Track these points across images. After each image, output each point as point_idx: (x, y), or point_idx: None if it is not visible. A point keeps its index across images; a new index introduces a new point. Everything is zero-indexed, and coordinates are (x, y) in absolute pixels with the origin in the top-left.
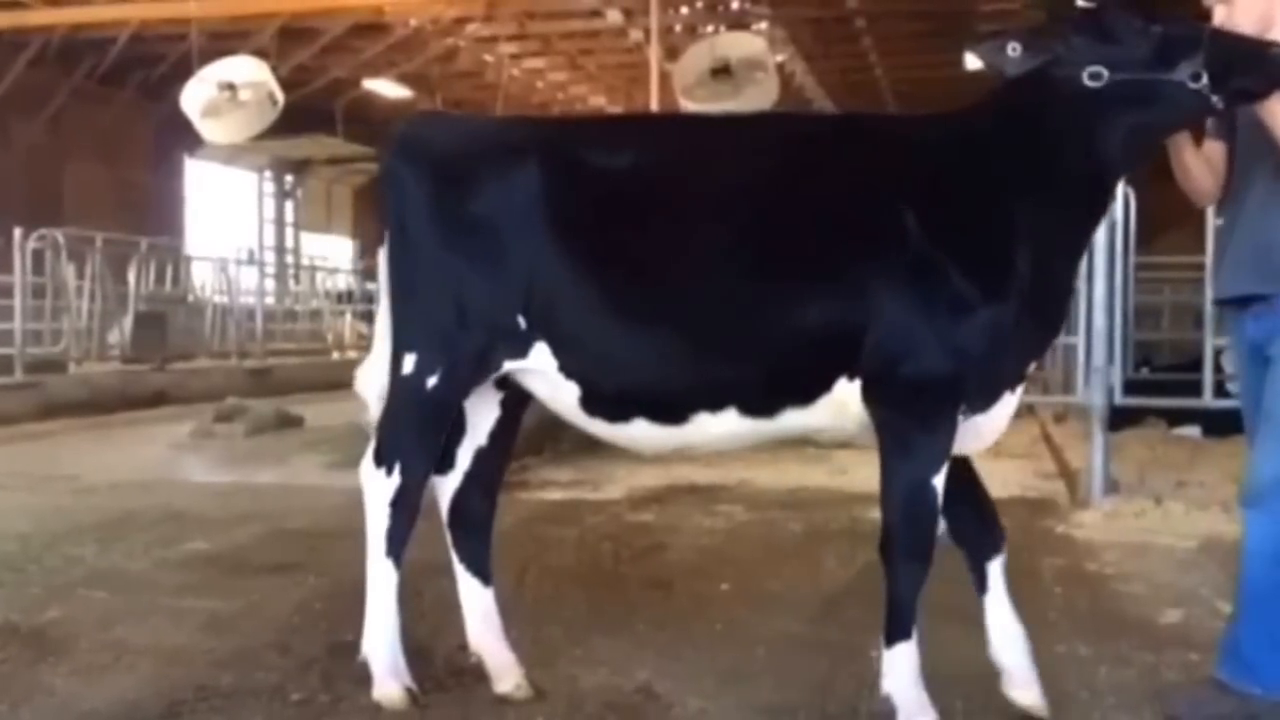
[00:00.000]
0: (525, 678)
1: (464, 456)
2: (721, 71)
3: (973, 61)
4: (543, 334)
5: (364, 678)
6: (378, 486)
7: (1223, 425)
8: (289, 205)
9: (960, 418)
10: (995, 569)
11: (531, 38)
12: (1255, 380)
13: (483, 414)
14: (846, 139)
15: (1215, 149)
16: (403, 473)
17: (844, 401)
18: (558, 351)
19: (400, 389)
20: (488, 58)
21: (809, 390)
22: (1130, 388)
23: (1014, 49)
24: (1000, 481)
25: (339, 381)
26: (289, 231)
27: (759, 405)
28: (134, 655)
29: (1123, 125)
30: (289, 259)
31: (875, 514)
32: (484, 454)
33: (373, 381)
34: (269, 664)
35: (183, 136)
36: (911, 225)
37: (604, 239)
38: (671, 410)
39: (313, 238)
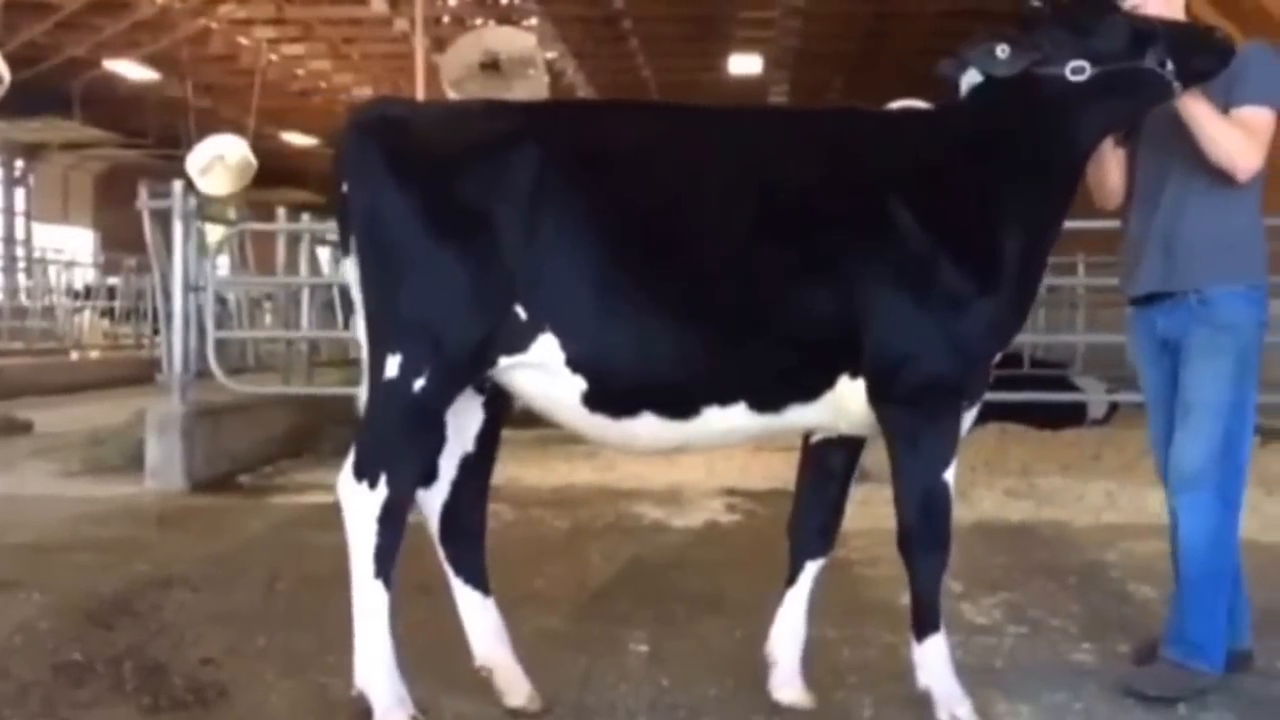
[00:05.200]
0: (536, 690)
1: (449, 465)
2: (490, 66)
3: (735, 65)
4: (550, 325)
5: (92, 702)
6: (361, 502)
7: (980, 414)
8: (19, 193)
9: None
10: (812, 570)
11: (290, 22)
12: (1161, 374)
13: (467, 419)
14: (843, 133)
15: (1120, 152)
16: (389, 485)
17: (845, 398)
18: (567, 343)
19: (384, 394)
20: (243, 41)
21: (813, 386)
22: None
23: (1003, 50)
24: (761, 474)
25: (77, 384)
26: (19, 221)
27: (767, 400)
28: None
29: (1104, 114)
30: (19, 251)
31: (639, 509)
32: (471, 461)
33: None
34: None
35: None
36: (909, 221)
37: (614, 226)
38: (683, 404)
39: (47, 229)
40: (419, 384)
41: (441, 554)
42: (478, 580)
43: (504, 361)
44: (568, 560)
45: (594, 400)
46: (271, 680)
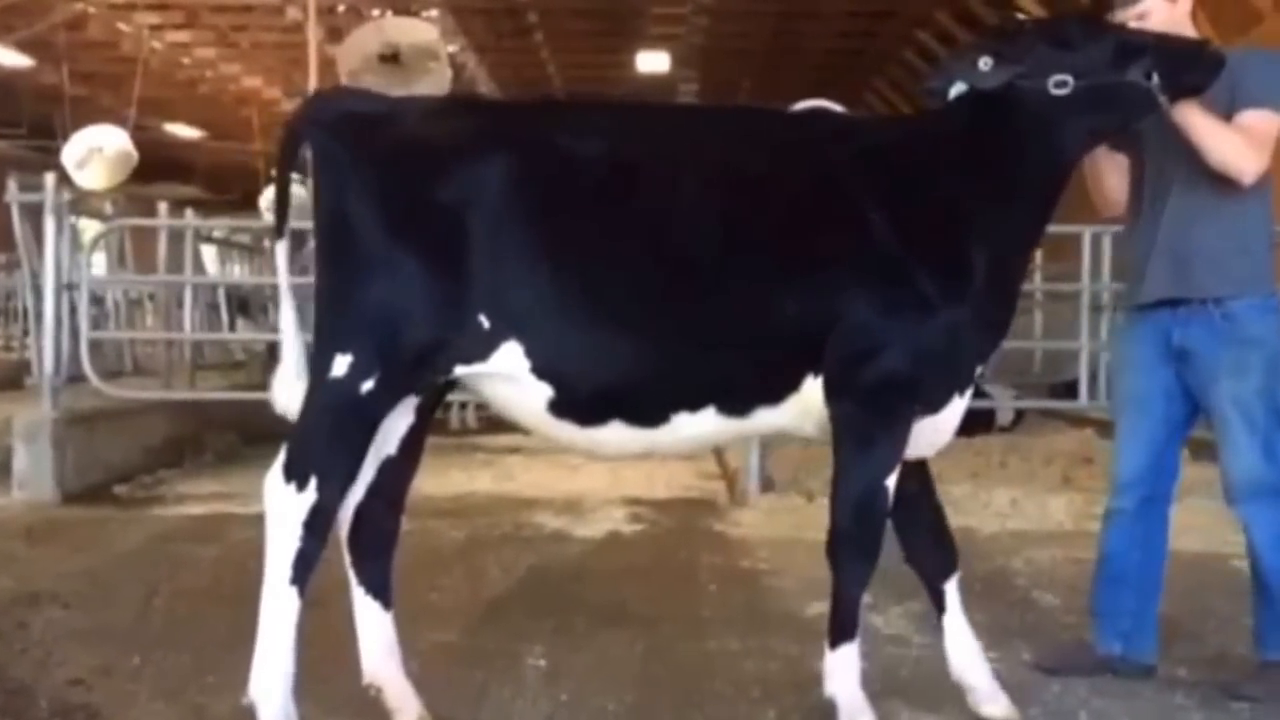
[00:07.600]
0: (428, 708)
1: (369, 467)
2: (390, 58)
3: (643, 63)
4: (515, 333)
5: None
6: (288, 505)
7: None
8: None
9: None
10: (951, 588)
11: (175, 8)
12: (1159, 380)
13: (395, 420)
14: (819, 136)
15: (1122, 160)
16: (319, 489)
17: (810, 400)
18: (531, 351)
19: (326, 393)
20: (124, 27)
21: (779, 389)
22: None
23: (986, 63)
24: (665, 483)
25: None
26: None
27: (735, 404)
28: None
29: (1085, 127)
30: None
31: (539, 519)
32: (392, 465)
33: (295, 395)
34: None
35: None
36: (878, 225)
37: (586, 232)
38: (652, 411)
39: None
40: (365, 386)
41: (347, 559)
42: (380, 592)
43: (460, 370)
44: (464, 572)
45: (561, 408)
46: (145, 701)
